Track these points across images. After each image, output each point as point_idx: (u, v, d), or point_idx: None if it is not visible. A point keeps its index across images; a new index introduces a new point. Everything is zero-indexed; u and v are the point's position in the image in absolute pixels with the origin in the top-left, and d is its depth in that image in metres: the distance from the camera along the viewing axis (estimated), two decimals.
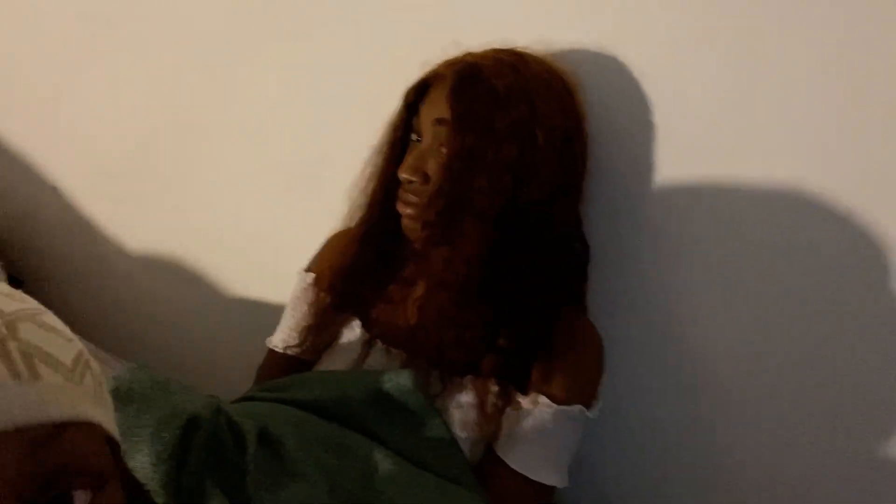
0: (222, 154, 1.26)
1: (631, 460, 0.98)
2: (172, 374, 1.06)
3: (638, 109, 0.88)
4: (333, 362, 0.90)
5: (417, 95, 0.85)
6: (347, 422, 0.78)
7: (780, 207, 0.82)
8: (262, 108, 1.20)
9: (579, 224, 0.88)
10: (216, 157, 1.27)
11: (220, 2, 1.18)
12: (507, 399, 0.81)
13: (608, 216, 0.92)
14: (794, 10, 0.78)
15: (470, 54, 0.84)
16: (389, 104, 0.88)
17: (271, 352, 0.98)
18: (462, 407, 0.81)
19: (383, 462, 0.74)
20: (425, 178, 0.83)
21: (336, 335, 0.92)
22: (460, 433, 0.81)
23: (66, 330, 0.40)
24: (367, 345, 0.88)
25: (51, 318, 0.40)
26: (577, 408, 0.81)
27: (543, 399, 0.80)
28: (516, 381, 0.82)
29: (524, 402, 0.81)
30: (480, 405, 0.81)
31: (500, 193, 0.79)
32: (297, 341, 0.93)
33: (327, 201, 0.95)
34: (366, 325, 0.90)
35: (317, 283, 0.95)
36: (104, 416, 0.39)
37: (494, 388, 0.81)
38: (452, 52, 0.85)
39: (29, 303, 0.40)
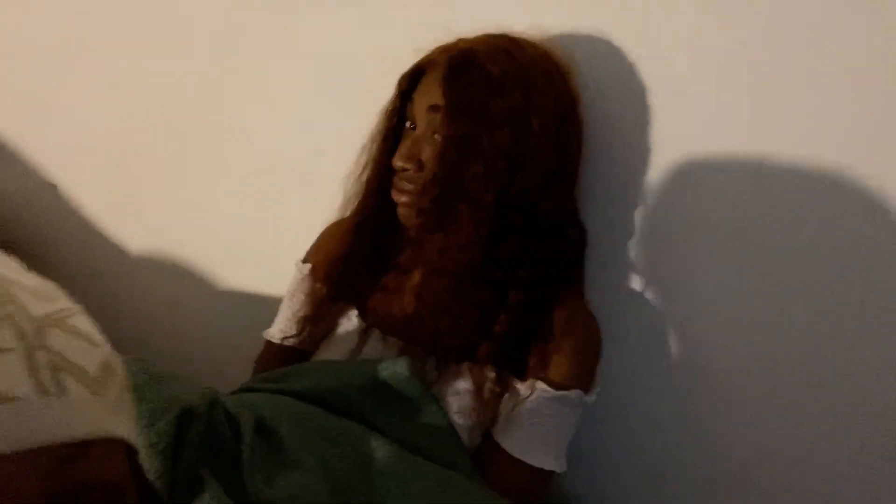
0: (216, 149, 1.26)
1: (629, 452, 0.97)
2: (171, 367, 1.07)
3: (633, 94, 0.87)
4: (331, 352, 0.90)
5: (411, 82, 0.85)
6: (345, 411, 0.78)
7: (782, 195, 0.81)
8: (256, 102, 1.19)
9: (575, 209, 0.88)
10: (210, 152, 1.27)
11: None
12: (504, 385, 0.81)
13: (604, 202, 0.92)
14: None
15: (463, 40, 0.83)
16: (382, 95, 0.87)
17: (269, 343, 0.98)
18: (459, 393, 0.81)
19: (380, 450, 0.74)
20: (420, 165, 0.82)
21: (333, 325, 0.92)
22: (458, 420, 0.80)
23: (94, 332, 0.40)
24: (363, 334, 0.88)
25: (80, 318, 0.39)
26: (574, 392, 0.81)
27: (541, 384, 0.80)
28: (513, 367, 0.81)
29: (521, 387, 0.81)
30: (477, 391, 0.81)
31: (495, 180, 0.79)
32: (294, 332, 0.93)
33: (322, 193, 0.95)
34: (362, 315, 0.90)
35: (313, 273, 0.95)
36: (126, 427, 0.39)
37: (491, 375, 0.81)
38: (445, 38, 0.85)
39: (59, 301, 0.39)
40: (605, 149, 0.90)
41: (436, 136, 0.81)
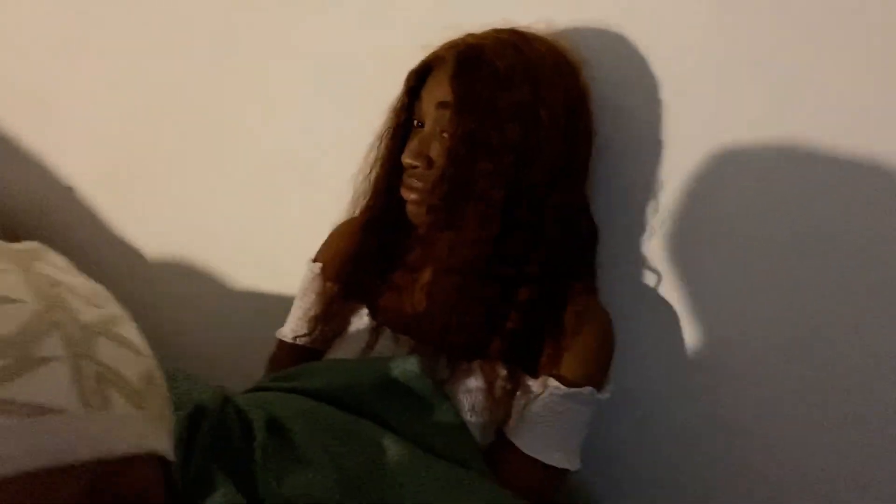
0: (220, 149, 1.26)
1: (644, 449, 0.96)
2: (182, 367, 1.07)
3: (643, 87, 0.87)
4: (342, 351, 0.90)
5: (419, 79, 0.84)
6: (356, 409, 0.78)
7: (798, 187, 0.80)
8: (258, 102, 1.20)
9: (586, 204, 0.87)
10: (214, 152, 1.27)
11: None
12: (516, 382, 0.80)
13: (617, 196, 0.91)
14: None
15: (471, 35, 0.83)
16: (383, 94, 0.87)
17: (281, 342, 0.98)
18: (471, 391, 0.81)
19: (392, 448, 0.73)
20: (429, 162, 0.82)
21: (345, 324, 0.92)
22: (469, 418, 0.80)
23: (139, 340, 0.39)
24: (374, 332, 0.88)
25: (126, 326, 0.39)
26: (587, 389, 0.80)
27: (553, 381, 0.79)
28: (525, 364, 0.81)
29: (534, 384, 0.80)
30: (489, 389, 0.80)
31: (504, 175, 0.78)
32: (305, 331, 0.93)
33: (331, 192, 0.95)
34: (373, 313, 0.90)
35: (324, 272, 0.95)
36: (165, 442, 0.39)
37: (503, 372, 0.80)
38: (452, 34, 0.84)
39: (109, 307, 0.39)
40: (618, 143, 0.89)
41: (444, 133, 0.81)
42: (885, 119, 0.75)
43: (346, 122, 0.93)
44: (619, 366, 0.86)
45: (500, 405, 0.80)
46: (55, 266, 0.40)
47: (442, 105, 0.81)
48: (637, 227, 0.91)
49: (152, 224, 1.38)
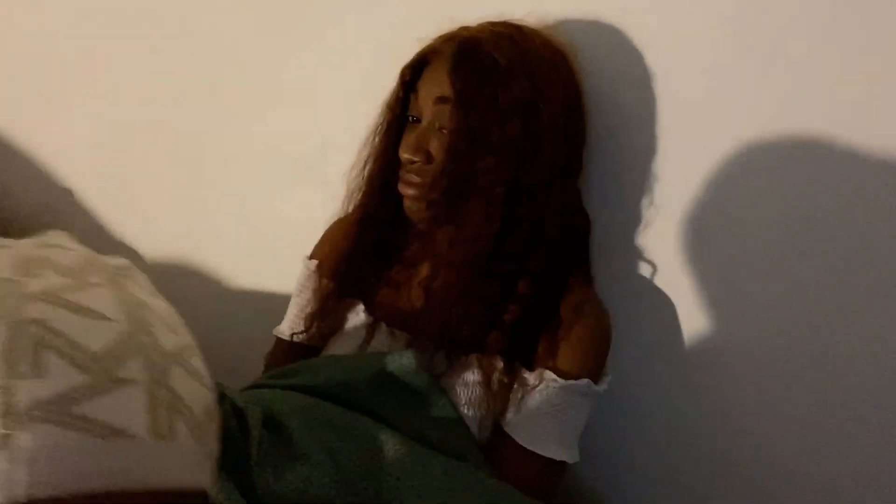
0: (223, 150, 1.26)
1: (642, 442, 0.96)
2: None
3: (635, 79, 0.86)
4: (340, 347, 0.90)
5: (414, 73, 0.83)
6: (353, 405, 0.78)
7: (793, 178, 0.80)
8: (262, 99, 1.20)
9: (578, 196, 0.87)
10: (217, 154, 1.27)
11: None
12: (513, 375, 0.80)
13: (612, 189, 0.91)
14: None
15: (464, 28, 0.82)
16: (388, 89, 0.87)
17: (279, 340, 0.98)
18: (468, 385, 0.81)
19: (389, 442, 0.73)
20: (428, 157, 0.81)
21: (341, 320, 0.92)
22: (467, 411, 0.80)
23: (206, 373, 0.40)
24: (371, 328, 0.88)
25: (196, 357, 0.40)
26: (584, 381, 0.80)
27: (549, 374, 0.79)
28: (522, 357, 0.81)
29: (530, 377, 0.80)
30: (486, 382, 0.80)
31: (505, 171, 0.77)
32: (302, 328, 0.93)
33: (331, 190, 0.94)
34: (369, 309, 0.90)
35: (319, 269, 0.95)
36: (211, 479, 0.39)
37: (500, 365, 0.80)
38: (446, 27, 0.83)
39: (184, 334, 0.40)
40: (612, 136, 0.89)
41: (444, 128, 0.80)
42: (881, 113, 0.74)
43: (346, 121, 0.92)
44: (618, 358, 0.86)
45: (497, 398, 0.80)
46: (141, 286, 0.41)
47: (441, 100, 0.79)
48: (634, 220, 0.90)
49: (151, 224, 1.38)
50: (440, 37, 0.82)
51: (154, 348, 0.36)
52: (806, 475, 0.86)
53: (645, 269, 0.91)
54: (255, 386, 0.85)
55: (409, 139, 0.82)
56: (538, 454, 0.79)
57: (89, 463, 0.32)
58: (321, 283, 0.93)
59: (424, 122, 0.82)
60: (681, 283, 0.89)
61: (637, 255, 0.91)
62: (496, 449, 0.81)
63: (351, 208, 0.92)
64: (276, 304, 1.04)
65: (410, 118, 0.84)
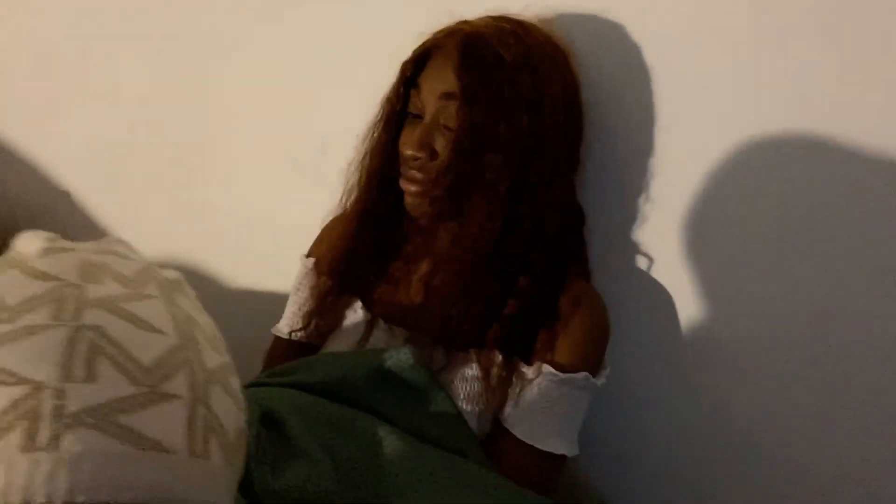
0: (222, 150, 1.26)
1: (642, 434, 0.96)
2: None
3: (634, 75, 0.86)
4: (338, 344, 0.90)
5: (415, 68, 0.82)
6: (352, 401, 0.78)
7: (790, 170, 0.80)
8: (261, 99, 1.20)
9: (573, 191, 0.86)
10: (216, 153, 1.27)
11: None
12: (511, 369, 0.80)
13: (609, 183, 0.90)
14: None
15: (465, 23, 0.81)
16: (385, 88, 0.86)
17: (277, 338, 0.98)
18: (467, 380, 0.81)
19: (388, 439, 0.73)
20: (433, 153, 0.80)
21: (340, 317, 0.92)
22: (466, 406, 0.80)
23: (241, 395, 0.41)
24: (369, 325, 0.88)
25: (234, 378, 0.41)
26: (582, 375, 0.80)
27: (547, 368, 0.79)
28: (520, 352, 0.81)
29: (529, 371, 0.80)
30: (485, 377, 0.80)
31: (510, 168, 0.77)
32: (300, 326, 0.93)
33: (330, 189, 0.94)
34: (367, 306, 0.89)
35: (317, 267, 0.95)
36: (233, 499, 0.40)
37: (499, 360, 0.80)
38: (447, 21, 0.82)
39: (225, 354, 0.41)
40: (610, 132, 0.89)
41: (448, 124, 0.79)
42: (881, 112, 0.74)
43: (345, 120, 0.92)
44: (616, 351, 0.86)
45: (496, 393, 0.79)
46: (191, 301, 0.42)
47: (446, 96, 0.78)
48: (632, 213, 0.90)
49: (150, 224, 1.38)
50: (441, 31, 0.81)
51: (198, 366, 0.37)
52: (813, 464, 0.85)
53: (643, 266, 0.91)
54: (254, 384, 0.85)
55: (411, 135, 0.81)
56: (537, 448, 0.79)
57: (127, 473, 0.33)
58: (319, 281, 0.93)
59: (427, 118, 0.81)
60: (680, 280, 0.89)
61: (635, 251, 0.91)
62: (495, 444, 0.80)
63: (349, 204, 0.91)
64: (274, 302, 1.04)
65: (413, 113, 0.83)
